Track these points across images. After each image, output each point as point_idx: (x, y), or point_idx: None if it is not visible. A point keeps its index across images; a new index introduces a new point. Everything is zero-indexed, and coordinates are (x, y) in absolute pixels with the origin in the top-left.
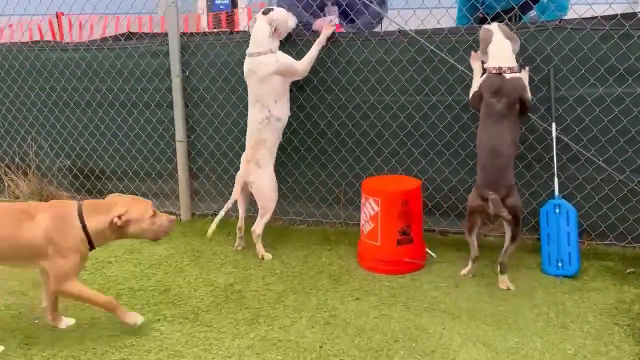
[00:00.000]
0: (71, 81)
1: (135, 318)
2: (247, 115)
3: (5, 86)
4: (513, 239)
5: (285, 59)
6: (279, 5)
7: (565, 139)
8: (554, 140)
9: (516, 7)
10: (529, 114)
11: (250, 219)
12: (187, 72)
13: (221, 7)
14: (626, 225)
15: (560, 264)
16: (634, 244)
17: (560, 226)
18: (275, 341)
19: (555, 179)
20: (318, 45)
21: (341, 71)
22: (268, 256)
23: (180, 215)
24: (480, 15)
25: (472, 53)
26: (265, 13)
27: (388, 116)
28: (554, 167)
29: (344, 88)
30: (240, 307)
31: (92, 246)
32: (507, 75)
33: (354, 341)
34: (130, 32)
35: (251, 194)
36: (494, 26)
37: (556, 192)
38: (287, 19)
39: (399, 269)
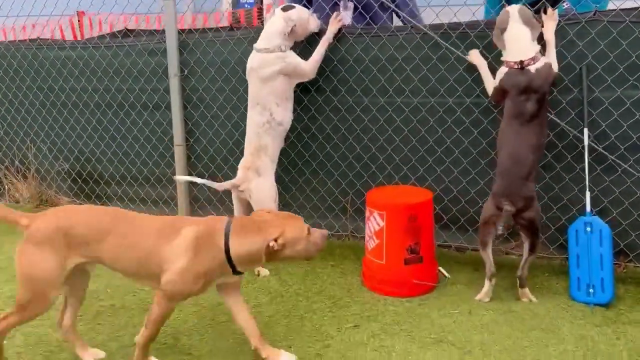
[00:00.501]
0: (69, 81)
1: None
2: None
3: (4, 86)
4: (532, 250)
5: (293, 58)
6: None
7: (599, 148)
8: (586, 148)
9: None
10: (555, 118)
11: None
12: (186, 71)
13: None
14: None
15: (591, 290)
16: None
17: (591, 247)
18: None
19: (587, 193)
20: (325, 43)
21: (348, 70)
22: (264, 272)
23: None
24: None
25: (471, 51)
26: (284, 10)
27: (399, 119)
28: (585, 178)
29: (351, 89)
30: (224, 333)
31: (234, 270)
32: (532, 68)
33: None
34: (128, 29)
35: (249, 204)
36: (513, 10)
37: (588, 208)
38: (307, 21)
39: (407, 291)
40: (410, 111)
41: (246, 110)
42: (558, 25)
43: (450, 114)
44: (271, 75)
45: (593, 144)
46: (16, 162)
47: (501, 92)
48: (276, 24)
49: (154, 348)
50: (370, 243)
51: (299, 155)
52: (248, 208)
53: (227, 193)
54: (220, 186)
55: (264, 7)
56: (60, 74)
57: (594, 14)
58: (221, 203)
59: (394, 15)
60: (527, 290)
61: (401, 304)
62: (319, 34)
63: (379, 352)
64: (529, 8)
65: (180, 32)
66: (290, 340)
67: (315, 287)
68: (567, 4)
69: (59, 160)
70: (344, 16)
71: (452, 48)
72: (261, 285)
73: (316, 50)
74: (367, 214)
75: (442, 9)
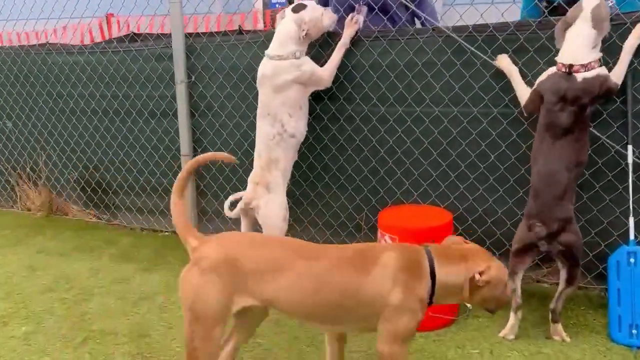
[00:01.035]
0: (77, 87)
1: None
2: None
3: (14, 91)
4: (569, 282)
5: (309, 65)
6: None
7: None
8: (630, 166)
9: None
10: (594, 131)
11: None
12: (194, 77)
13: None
14: None
15: (634, 332)
16: None
17: (636, 281)
18: None
19: (631, 218)
20: (342, 49)
21: (364, 76)
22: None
23: None
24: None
25: (500, 55)
26: (295, 10)
27: (419, 131)
28: (629, 201)
29: (367, 96)
30: None
31: (430, 301)
32: (580, 76)
33: None
34: (135, 34)
35: (256, 220)
36: (588, 5)
37: (631, 235)
38: (320, 19)
39: (422, 325)
40: (431, 122)
41: (256, 119)
42: None
43: (475, 125)
44: (285, 84)
45: (638, 162)
46: (27, 169)
47: (537, 97)
48: (288, 28)
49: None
50: None
51: (311, 167)
52: (255, 224)
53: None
54: (234, 213)
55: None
56: (69, 80)
57: None
58: None
59: (415, 17)
60: (560, 326)
61: (414, 339)
62: (333, 36)
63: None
64: (564, 6)
65: (188, 35)
66: None
67: None
68: (612, 2)
69: (68, 168)
70: (359, 19)
71: (478, 52)
72: None
73: (332, 56)
74: (379, 235)
75: (467, 9)
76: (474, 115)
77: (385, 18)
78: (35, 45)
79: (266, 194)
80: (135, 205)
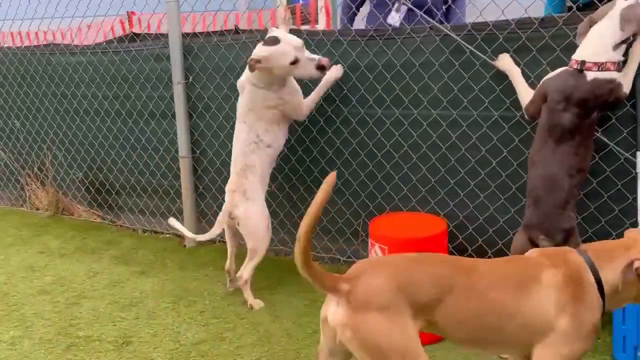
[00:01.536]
0: (80, 87)
1: None
2: None
3: (22, 91)
4: None
5: (292, 98)
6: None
7: None
8: (639, 177)
9: None
10: (602, 137)
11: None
12: (191, 78)
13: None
14: None
15: None
16: None
17: None
18: None
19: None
20: (324, 88)
21: (360, 78)
22: (259, 304)
23: (185, 239)
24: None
25: (501, 55)
26: (264, 42)
27: (417, 134)
28: (637, 211)
29: (363, 98)
30: None
31: (603, 311)
32: (591, 75)
33: None
34: (134, 33)
35: (238, 231)
36: (620, 3)
37: None
38: (277, 58)
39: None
40: (429, 125)
41: None
42: None
43: (475, 129)
44: (264, 107)
45: None
46: (35, 169)
47: (540, 98)
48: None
49: None
50: None
51: (308, 171)
52: (237, 235)
53: None
54: (211, 234)
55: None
56: (72, 80)
57: None
58: None
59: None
60: None
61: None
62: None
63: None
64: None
65: (185, 35)
66: None
67: (311, 326)
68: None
69: (73, 168)
70: (394, 17)
71: (477, 52)
72: (250, 322)
73: (314, 92)
74: (369, 245)
75: (489, 4)
76: (474, 118)
77: (421, 13)
78: (40, 45)
79: (244, 202)
80: (137, 206)
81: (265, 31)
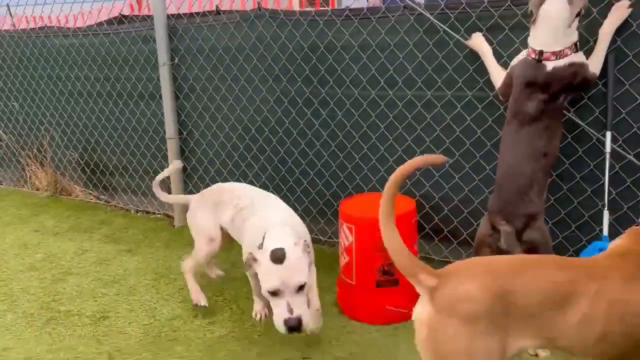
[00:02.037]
0: (73, 69)
1: None
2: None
3: (19, 74)
4: None
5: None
6: None
7: (630, 155)
8: (607, 155)
9: None
10: (575, 117)
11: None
12: (177, 59)
13: None
14: None
15: None
16: None
17: None
18: None
19: (605, 212)
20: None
21: (336, 58)
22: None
23: (174, 220)
24: None
25: (474, 34)
26: None
27: (393, 115)
28: (605, 192)
29: (340, 80)
30: (163, 352)
31: None
32: (550, 65)
33: None
34: (123, 15)
35: None
36: None
37: (605, 230)
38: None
39: (381, 318)
40: (404, 106)
41: (235, 101)
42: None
43: (449, 109)
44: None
45: (618, 150)
46: (34, 150)
47: (509, 81)
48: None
49: None
50: (342, 260)
51: (289, 152)
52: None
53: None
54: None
55: None
56: (66, 62)
57: None
58: None
59: None
60: None
61: (368, 332)
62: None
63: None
64: None
65: (170, 17)
66: None
67: None
68: None
69: (69, 149)
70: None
71: (450, 31)
72: (227, 299)
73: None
74: (339, 226)
75: None
76: (448, 99)
77: None
78: (35, 28)
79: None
80: (130, 186)
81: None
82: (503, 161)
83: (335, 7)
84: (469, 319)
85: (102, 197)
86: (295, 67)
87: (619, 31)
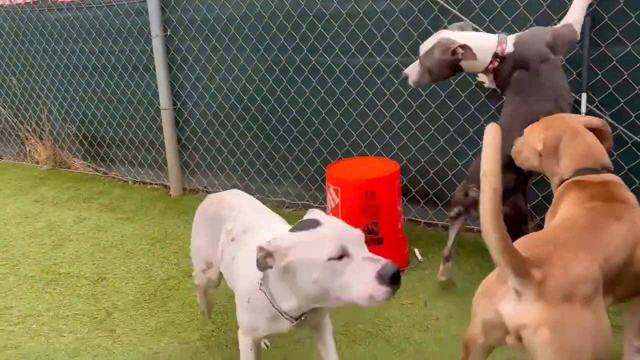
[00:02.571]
0: (68, 43)
1: None
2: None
3: (16, 48)
4: None
5: None
6: None
7: (605, 115)
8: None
9: None
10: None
11: None
12: (169, 31)
13: None
14: None
15: None
16: None
17: None
18: None
19: None
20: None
21: (326, 26)
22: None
23: (170, 190)
24: None
25: None
26: None
27: (380, 81)
28: None
29: (330, 47)
30: (159, 309)
31: None
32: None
33: None
34: None
35: None
36: None
37: None
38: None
39: None
40: (391, 72)
41: (227, 71)
42: None
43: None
44: None
45: (594, 110)
46: (33, 124)
47: None
48: None
49: (81, 322)
50: None
51: (280, 121)
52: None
53: (216, 160)
54: None
55: None
56: (61, 36)
57: None
58: (210, 169)
59: None
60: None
61: None
62: None
63: (301, 344)
64: None
65: None
66: (215, 323)
67: None
68: None
69: (67, 123)
70: None
71: None
72: None
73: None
74: (326, 188)
75: None
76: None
77: None
78: (30, 2)
79: None
80: (127, 158)
81: None
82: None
83: None
84: (588, 301)
85: (100, 168)
86: (285, 36)
87: None
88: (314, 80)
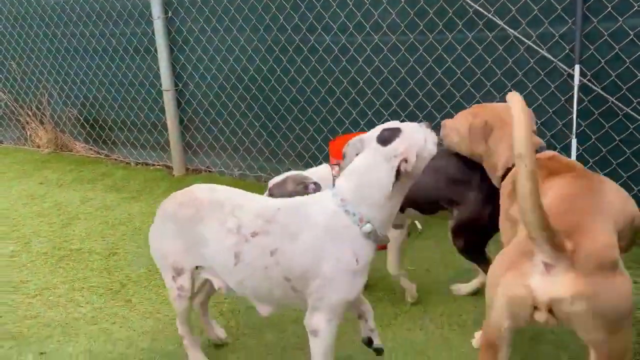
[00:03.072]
0: (69, 26)
1: None
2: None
3: (15, 33)
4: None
5: None
6: None
7: (597, 88)
8: (576, 88)
9: None
10: (547, 54)
11: None
12: (170, 12)
13: None
14: None
15: None
16: None
17: None
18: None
19: (574, 142)
20: None
21: (324, 5)
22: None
23: (173, 170)
24: None
25: None
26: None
27: (378, 59)
28: (573, 125)
29: (328, 26)
30: None
31: None
32: None
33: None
34: None
35: None
36: None
37: (572, 158)
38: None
39: None
40: (389, 50)
41: (228, 52)
42: None
43: (431, 52)
44: None
45: (587, 83)
46: (33, 108)
47: None
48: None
49: (97, 293)
50: None
51: (281, 100)
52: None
53: (218, 140)
54: None
55: None
56: (61, 20)
57: None
58: (212, 149)
59: None
60: None
61: None
62: None
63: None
64: None
65: None
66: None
67: None
68: None
69: (68, 106)
70: None
71: None
72: None
73: None
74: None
75: None
76: (429, 42)
77: None
78: None
79: None
80: (129, 140)
81: None
82: None
83: None
84: (616, 264)
85: (103, 151)
86: (285, 16)
87: None
88: (313, 59)
